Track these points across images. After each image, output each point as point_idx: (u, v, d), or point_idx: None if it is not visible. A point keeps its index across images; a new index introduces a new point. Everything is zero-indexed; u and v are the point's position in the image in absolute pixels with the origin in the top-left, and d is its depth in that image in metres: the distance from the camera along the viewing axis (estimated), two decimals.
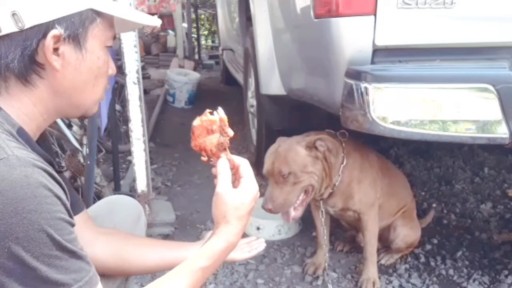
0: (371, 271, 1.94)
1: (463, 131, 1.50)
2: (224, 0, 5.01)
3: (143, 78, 3.70)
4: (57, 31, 0.78)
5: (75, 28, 0.80)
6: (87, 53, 0.83)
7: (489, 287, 1.94)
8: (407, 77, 1.54)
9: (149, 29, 7.94)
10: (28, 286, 0.67)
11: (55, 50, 0.79)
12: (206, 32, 12.28)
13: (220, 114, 0.92)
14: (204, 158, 0.94)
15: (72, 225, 0.74)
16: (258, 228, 2.35)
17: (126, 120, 2.95)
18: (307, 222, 2.47)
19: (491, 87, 1.46)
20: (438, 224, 2.45)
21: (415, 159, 3.24)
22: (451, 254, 2.17)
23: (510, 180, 2.93)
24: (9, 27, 0.75)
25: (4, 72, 0.77)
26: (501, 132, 1.48)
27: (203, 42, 10.72)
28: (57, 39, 0.78)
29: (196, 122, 0.92)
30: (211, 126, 0.91)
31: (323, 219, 1.96)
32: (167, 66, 6.89)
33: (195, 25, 9.01)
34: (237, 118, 4.33)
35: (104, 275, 0.87)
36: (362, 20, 1.59)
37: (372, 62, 1.62)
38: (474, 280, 1.97)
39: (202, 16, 11.20)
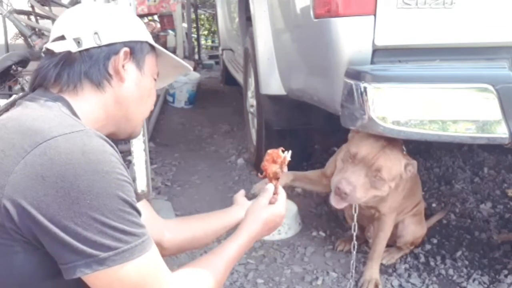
0: (374, 272, 1.94)
1: (463, 131, 1.50)
2: (224, 0, 5.01)
3: None
4: (127, 49, 0.98)
5: (138, 52, 1.01)
6: (144, 74, 1.03)
7: (488, 287, 1.94)
8: (406, 77, 1.54)
9: (149, 29, 7.93)
10: (105, 236, 0.77)
11: (123, 65, 0.98)
12: (206, 32, 12.28)
13: (286, 155, 1.19)
14: (261, 176, 1.22)
15: (134, 192, 0.85)
16: None
17: None
18: (307, 222, 2.48)
19: (490, 87, 1.46)
20: (438, 224, 2.45)
21: (414, 158, 3.23)
22: (451, 254, 2.18)
23: (509, 180, 2.93)
24: (90, 43, 0.95)
25: (83, 77, 0.95)
26: (500, 132, 1.48)
27: (203, 42, 10.71)
28: (126, 56, 0.98)
29: (270, 150, 1.22)
30: (276, 158, 1.19)
31: (355, 215, 1.89)
32: None
33: (195, 25, 9.00)
34: (237, 118, 4.34)
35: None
36: (361, 20, 1.59)
37: (372, 62, 1.62)
38: (473, 280, 1.97)
39: (202, 16, 11.19)
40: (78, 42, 0.95)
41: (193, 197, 2.86)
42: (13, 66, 2.49)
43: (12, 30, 4.29)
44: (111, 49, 0.97)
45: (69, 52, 0.94)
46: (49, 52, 0.97)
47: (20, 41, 4.25)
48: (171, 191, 2.93)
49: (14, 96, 2.85)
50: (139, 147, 2.27)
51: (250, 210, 1.14)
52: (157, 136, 3.99)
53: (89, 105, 0.96)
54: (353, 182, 1.70)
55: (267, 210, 1.14)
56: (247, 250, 1.09)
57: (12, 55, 2.58)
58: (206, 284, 0.94)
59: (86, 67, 0.95)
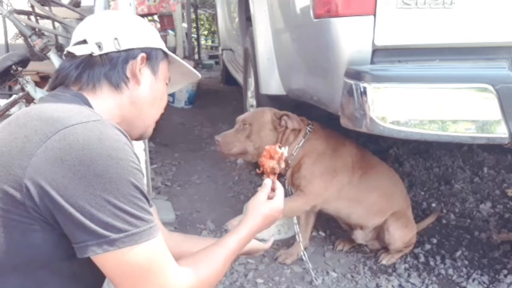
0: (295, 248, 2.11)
1: (463, 131, 1.50)
2: (224, 0, 5.01)
3: None
4: (144, 54, 1.05)
5: (154, 57, 1.08)
6: (158, 79, 1.10)
7: (488, 286, 1.94)
8: (406, 77, 1.55)
9: None
10: (117, 218, 0.82)
11: (139, 69, 1.05)
12: (206, 32, 12.29)
13: (284, 151, 1.25)
14: (259, 171, 1.26)
15: (144, 182, 0.90)
16: None
17: None
18: None
19: (490, 87, 1.46)
20: (438, 224, 2.45)
21: (414, 159, 3.24)
22: (451, 254, 2.18)
23: (509, 180, 2.93)
24: (109, 48, 1.02)
25: (102, 78, 1.02)
26: (500, 132, 1.48)
27: (203, 42, 10.72)
28: (143, 61, 1.05)
29: (268, 146, 1.27)
30: (274, 154, 1.23)
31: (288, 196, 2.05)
32: None
33: (195, 25, 9.01)
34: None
35: None
36: (361, 20, 1.59)
37: (372, 62, 1.62)
38: (473, 280, 1.97)
39: (202, 16, 11.19)
40: (99, 46, 1.02)
41: (193, 197, 2.86)
42: (13, 66, 2.49)
43: (12, 30, 4.29)
44: (129, 54, 1.04)
45: (90, 56, 1.01)
46: (70, 55, 1.03)
47: (20, 41, 4.25)
48: (171, 191, 2.93)
49: (14, 96, 2.85)
50: (139, 147, 2.28)
51: (250, 206, 1.18)
52: (157, 136, 3.99)
53: (106, 103, 1.02)
54: (224, 133, 2.08)
55: (266, 205, 1.17)
56: (247, 243, 1.14)
57: (12, 55, 2.58)
58: (207, 274, 0.97)
59: (105, 69, 1.02)
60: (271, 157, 1.25)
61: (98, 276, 0.92)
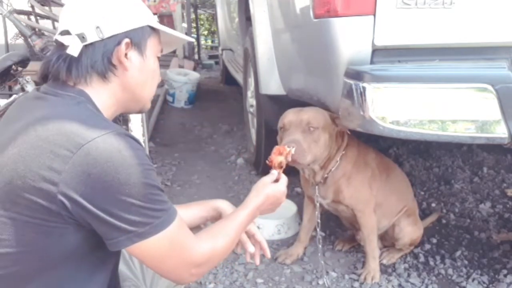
0: (371, 265, 2.01)
1: (462, 131, 1.51)
2: (224, 0, 5.01)
3: None
4: (128, 39, 1.05)
5: (139, 39, 1.08)
6: (147, 58, 1.11)
7: (488, 286, 1.94)
8: (406, 77, 1.55)
9: None
10: (142, 216, 0.94)
11: (125, 54, 1.06)
12: (206, 32, 12.30)
13: (291, 149, 1.51)
14: (268, 163, 1.43)
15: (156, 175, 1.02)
16: (257, 228, 2.35)
17: (125, 120, 2.96)
18: None
19: (490, 87, 1.46)
20: (437, 224, 2.45)
21: (414, 158, 3.24)
22: (450, 254, 2.18)
23: (509, 180, 2.94)
24: (93, 37, 1.02)
25: (89, 70, 1.03)
26: (500, 132, 1.48)
27: (202, 42, 10.73)
28: (128, 45, 1.06)
29: (278, 146, 1.52)
30: (283, 151, 1.45)
31: (317, 208, 1.98)
32: (167, 66, 6.87)
33: (194, 25, 9.02)
34: (237, 118, 4.34)
35: None
36: (361, 20, 1.59)
37: (372, 62, 1.62)
38: (473, 280, 1.97)
39: (202, 16, 11.20)
40: (82, 37, 1.02)
41: (193, 197, 2.86)
42: (13, 66, 2.49)
43: (12, 30, 4.29)
44: (113, 41, 1.04)
45: None
46: (59, 44, 1.05)
47: (20, 41, 4.25)
48: (171, 191, 2.93)
49: (14, 96, 2.85)
50: None
51: (255, 187, 1.30)
52: (157, 136, 3.99)
53: (100, 95, 1.06)
54: (294, 139, 1.78)
55: (270, 186, 1.30)
56: (254, 218, 1.27)
57: (12, 55, 2.58)
58: (223, 245, 1.10)
59: (91, 60, 1.03)
60: (280, 154, 1.42)
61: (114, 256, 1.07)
